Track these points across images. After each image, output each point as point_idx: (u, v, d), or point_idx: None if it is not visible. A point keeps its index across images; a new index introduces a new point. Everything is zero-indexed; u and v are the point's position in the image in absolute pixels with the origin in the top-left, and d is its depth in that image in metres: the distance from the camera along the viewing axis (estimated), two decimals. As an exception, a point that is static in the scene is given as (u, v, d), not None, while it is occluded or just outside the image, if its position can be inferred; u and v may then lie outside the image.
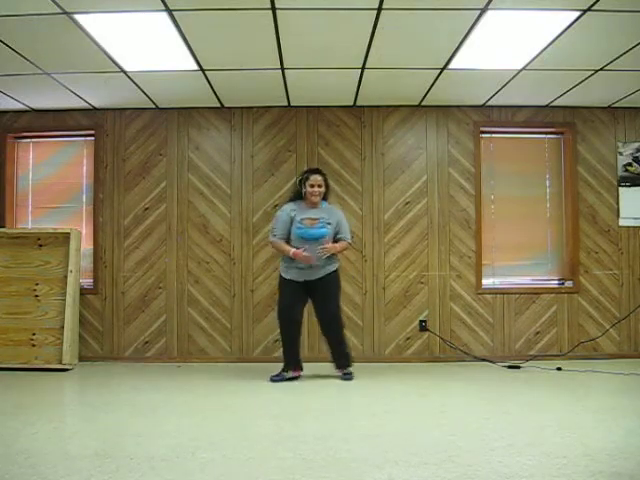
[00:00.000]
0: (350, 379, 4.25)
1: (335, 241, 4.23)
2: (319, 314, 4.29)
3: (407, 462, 2.36)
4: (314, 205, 4.20)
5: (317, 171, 4.29)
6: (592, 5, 3.27)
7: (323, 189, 4.21)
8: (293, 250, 4.08)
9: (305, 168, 5.08)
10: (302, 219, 4.13)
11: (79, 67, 4.24)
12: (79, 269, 5.00)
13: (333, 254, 4.20)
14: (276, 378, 4.21)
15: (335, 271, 4.26)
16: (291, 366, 4.26)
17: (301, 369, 4.32)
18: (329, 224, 4.17)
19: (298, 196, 4.26)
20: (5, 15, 3.32)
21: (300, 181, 4.25)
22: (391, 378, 4.38)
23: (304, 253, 4.03)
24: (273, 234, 4.25)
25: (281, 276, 4.27)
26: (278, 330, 5.03)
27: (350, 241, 4.36)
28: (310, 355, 4.95)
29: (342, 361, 4.32)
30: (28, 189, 5.40)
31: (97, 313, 5.19)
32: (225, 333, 5.17)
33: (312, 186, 4.16)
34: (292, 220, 4.15)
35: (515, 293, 5.22)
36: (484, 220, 5.29)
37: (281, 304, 4.26)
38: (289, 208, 4.22)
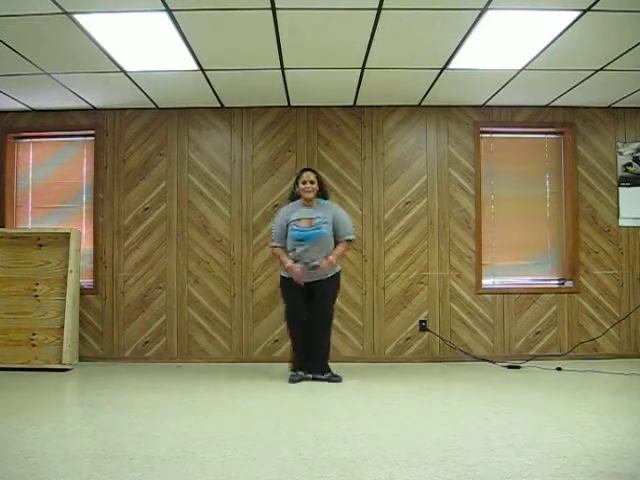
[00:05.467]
0: (340, 380, 4.15)
1: (335, 242, 4.19)
2: (312, 313, 4.19)
3: (407, 462, 2.36)
4: (309, 203, 4.19)
5: (308, 169, 4.35)
6: (592, 5, 3.27)
7: (315, 185, 4.20)
8: (289, 264, 4.08)
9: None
10: (298, 219, 4.12)
11: (79, 67, 4.24)
12: (79, 269, 5.00)
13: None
14: (295, 378, 4.15)
15: (336, 274, 4.23)
16: (303, 368, 4.21)
17: (310, 371, 4.24)
18: (326, 223, 4.12)
19: (295, 197, 4.29)
20: (5, 15, 3.32)
21: (295, 182, 4.30)
22: (391, 378, 4.38)
23: (297, 270, 4.02)
24: (272, 240, 4.28)
25: (281, 276, 4.27)
26: (278, 330, 5.10)
27: (351, 238, 4.24)
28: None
29: (318, 367, 4.19)
30: (28, 189, 5.40)
31: (97, 313, 5.19)
32: (225, 333, 5.17)
33: (304, 183, 4.18)
34: (288, 223, 4.14)
35: (515, 293, 5.22)
36: (484, 220, 5.29)
37: (287, 306, 4.25)
38: (285, 211, 4.25)
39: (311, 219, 4.10)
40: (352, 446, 2.59)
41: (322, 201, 4.25)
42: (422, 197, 5.23)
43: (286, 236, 4.16)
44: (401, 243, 5.20)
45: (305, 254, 4.06)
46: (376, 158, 5.25)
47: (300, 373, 4.19)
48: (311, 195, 4.17)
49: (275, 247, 4.25)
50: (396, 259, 5.20)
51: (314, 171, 4.31)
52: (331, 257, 4.09)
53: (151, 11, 3.34)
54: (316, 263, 4.04)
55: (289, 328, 4.27)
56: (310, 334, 4.22)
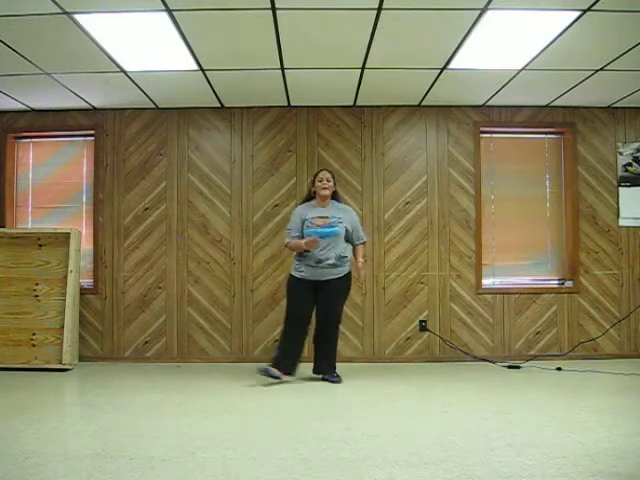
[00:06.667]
0: (340, 381, 4.16)
1: (353, 247, 4.27)
2: (320, 314, 4.21)
3: (407, 462, 2.36)
4: (325, 201, 4.22)
5: (324, 169, 4.42)
6: (592, 5, 3.27)
7: (332, 184, 4.23)
8: (304, 240, 4.06)
9: (306, 169, 5.16)
10: (312, 218, 4.15)
11: (79, 67, 4.24)
12: (79, 269, 5.00)
13: (345, 256, 4.16)
14: (263, 373, 4.01)
15: (346, 275, 4.21)
16: (281, 365, 4.06)
17: (290, 373, 4.09)
18: (341, 222, 4.14)
19: (310, 197, 4.31)
20: (5, 15, 3.32)
21: (312, 182, 4.33)
22: (391, 378, 4.38)
23: (312, 240, 4.00)
24: (289, 235, 4.24)
25: (291, 276, 4.23)
26: (279, 329, 5.08)
27: (365, 240, 4.37)
28: (310, 356, 4.92)
29: (325, 367, 4.23)
30: (28, 189, 5.40)
31: (97, 313, 5.19)
32: (225, 333, 5.17)
33: (320, 180, 4.21)
34: (304, 221, 4.17)
35: (515, 293, 5.22)
36: (484, 220, 5.29)
37: (292, 304, 4.21)
38: (301, 208, 4.29)
39: (325, 218, 4.14)
40: (352, 446, 2.59)
41: (336, 203, 4.29)
42: (422, 197, 5.23)
43: (302, 232, 4.17)
44: (401, 243, 5.21)
45: (317, 252, 4.07)
46: (376, 158, 5.25)
47: (274, 370, 4.01)
48: (327, 192, 4.20)
49: (294, 238, 4.18)
50: (396, 259, 5.20)
51: (330, 172, 4.33)
52: (361, 259, 4.23)
53: (151, 11, 3.34)
54: (331, 261, 4.08)
55: (287, 325, 4.21)
56: (317, 337, 4.28)
